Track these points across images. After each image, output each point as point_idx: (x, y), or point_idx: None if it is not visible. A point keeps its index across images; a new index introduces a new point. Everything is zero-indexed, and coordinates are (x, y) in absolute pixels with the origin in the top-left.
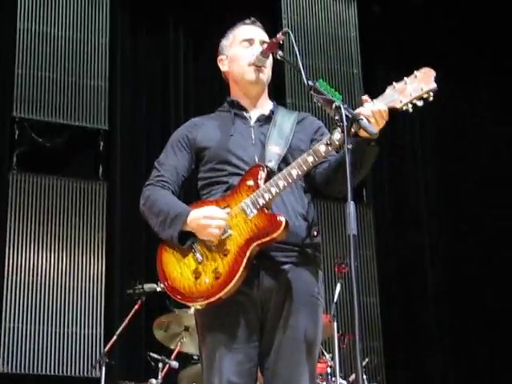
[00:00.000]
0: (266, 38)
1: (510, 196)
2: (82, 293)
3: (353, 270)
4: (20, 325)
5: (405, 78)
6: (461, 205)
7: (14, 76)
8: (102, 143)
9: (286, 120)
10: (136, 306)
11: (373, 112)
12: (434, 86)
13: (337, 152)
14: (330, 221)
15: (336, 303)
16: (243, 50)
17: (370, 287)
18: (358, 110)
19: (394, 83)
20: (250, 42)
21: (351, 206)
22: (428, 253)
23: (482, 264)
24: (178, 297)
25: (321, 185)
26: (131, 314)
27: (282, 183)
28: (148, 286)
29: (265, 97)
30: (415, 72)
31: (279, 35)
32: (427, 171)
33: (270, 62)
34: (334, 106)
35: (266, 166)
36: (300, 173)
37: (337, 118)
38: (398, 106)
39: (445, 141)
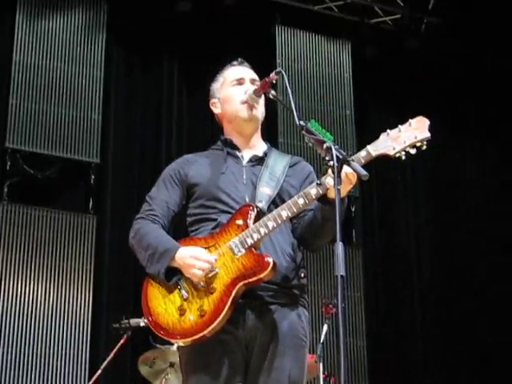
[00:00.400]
0: (255, 76)
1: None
2: (68, 325)
3: (340, 311)
4: (5, 355)
5: (399, 126)
6: (452, 246)
7: (7, 106)
8: (93, 176)
9: (278, 162)
10: (122, 341)
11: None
12: (427, 134)
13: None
14: (318, 261)
15: (322, 343)
16: (235, 89)
17: (357, 329)
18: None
19: (388, 130)
20: (241, 81)
21: (340, 247)
22: (417, 291)
23: (475, 298)
24: (161, 332)
25: (298, 240)
26: (116, 348)
27: (271, 224)
28: (134, 321)
29: (258, 136)
30: (410, 120)
31: (272, 75)
32: (418, 213)
33: (262, 101)
34: (325, 146)
35: (256, 206)
36: (290, 214)
37: (327, 158)
38: (391, 153)
39: (437, 185)
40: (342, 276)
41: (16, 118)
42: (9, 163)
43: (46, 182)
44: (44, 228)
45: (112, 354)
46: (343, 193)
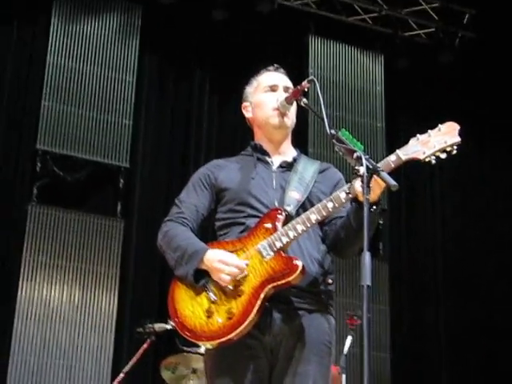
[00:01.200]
0: (289, 84)
1: None
2: (93, 329)
3: (365, 322)
4: (29, 357)
5: (429, 131)
6: (480, 259)
7: (40, 108)
8: (122, 180)
9: (307, 168)
10: (145, 345)
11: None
12: (457, 139)
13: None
14: (343, 272)
15: (346, 355)
16: (267, 95)
17: (381, 342)
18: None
19: (418, 135)
20: (274, 88)
21: (367, 257)
22: (443, 305)
23: (505, 313)
24: (188, 334)
25: (329, 246)
26: (139, 352)
27: (300, 227)
28: (158, 326)
29: (288, 143)
30: (439, 125)
31: (304, 83)
32: (445, 226)
33: (294, 108)
34: (355, 155)
35: (285, 210)
36: (319, 218)
37: (357, 167)
38: (421, 157)
39: (465, 198)
40: (368, 286)
41: (48, 119)
42: (39, 165)
43: (75, 185)
44: (72, 230)
45: (135, 358)
46: (374, 197)
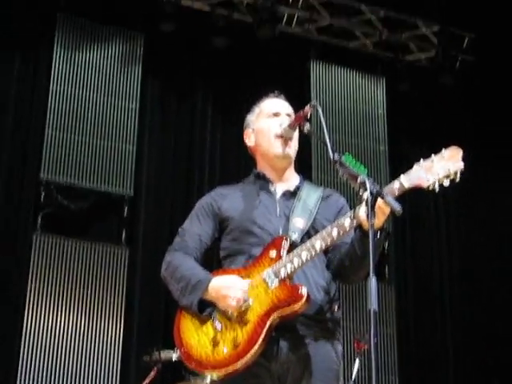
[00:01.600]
0: (291, 111)
1: None
2: (99, 357)
3: (372, 346)
4: None
5: (432, 156)
6: (485, 283)
7: (43, 137)
8: (126, 208)
9: (311, 195)
10: (152, 374)
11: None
12: (461, 165)
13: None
14: (350, 296)
15: (354, 381)
16: (270, 121)
17: (389, 366)
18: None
19: (422, 160)
20: (277, 115)
21: (373, 281)
22: (450, 329)
23: (508, 341)
24: (193, 364)
25: (334, 273)
26: (146, 381)
27: (305, 255)
28: (165, 354)
29: (291, 170)
30: (443, 150)
31: (307, 108)
32: (451, 249)
33: (296, 134)
34: (359, 180)
35: (290, 238)
36: (324, 245)
37: (361, 192)
38: (425, 185)
39: (470, 221)
40: (374, 310)
41: (51, 148)
42: (43, 194)
43: (79, 214)
44: (76, 259)
45: None
46: (378, 224)
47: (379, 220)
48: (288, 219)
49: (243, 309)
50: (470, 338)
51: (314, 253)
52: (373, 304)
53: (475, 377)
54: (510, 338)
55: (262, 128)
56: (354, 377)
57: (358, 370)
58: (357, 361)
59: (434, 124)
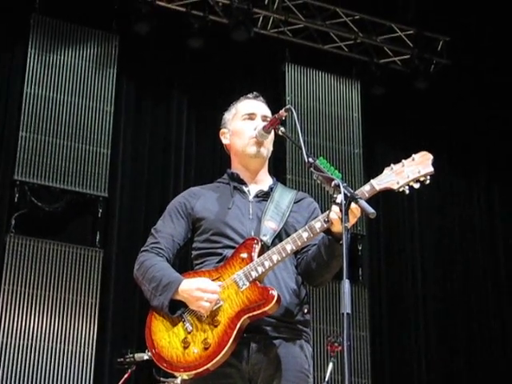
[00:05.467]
0: (268, 112)
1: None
2: (72, 359)
3: (345, 349)
4: None
5: (403, 161)
6: (460, 284)
7: (17, 139)
8: (100, 210)
9: (283, 197)
10: (125, 375)
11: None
12: (430, 169)
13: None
14: (323, 299)
15: (327, 382)
16: (245, 123)
17: (362, 368)
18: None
19: (392, 165)
20: (252, 116)
21: (346, 285)
22: (424, 331)
23: (490, 340)
24: (165, 365)
25: (301, 275)
26: (121, 382)
27: (275, 257)
28: (139, 356)
29: (264, 171)
30: (413, 155)
31: (282, 111)
32: (425, 251)
33: (271, 137)
34: (333, 183)
35: (261, 240)
36: (294, 248)
37: (335, 195)
38: (395, 187)
39: (444, 224)
40: (348, 314)
41: (25, 150)
42: (17, 195)
43: (53, 215)
44: (50, 261)
45: None
46: (348, 226)
47: (349, 223)
48: (260, 221)
49: (214, 308)
50: (443, 340)
51: (284, 255)
52: (346, 308)
53: (449, 376)
54: (485, 338)
55: (238, 129)
56: (327, 379)
57: (331, 372)
58: (330, 363)
59: (409, 127)
